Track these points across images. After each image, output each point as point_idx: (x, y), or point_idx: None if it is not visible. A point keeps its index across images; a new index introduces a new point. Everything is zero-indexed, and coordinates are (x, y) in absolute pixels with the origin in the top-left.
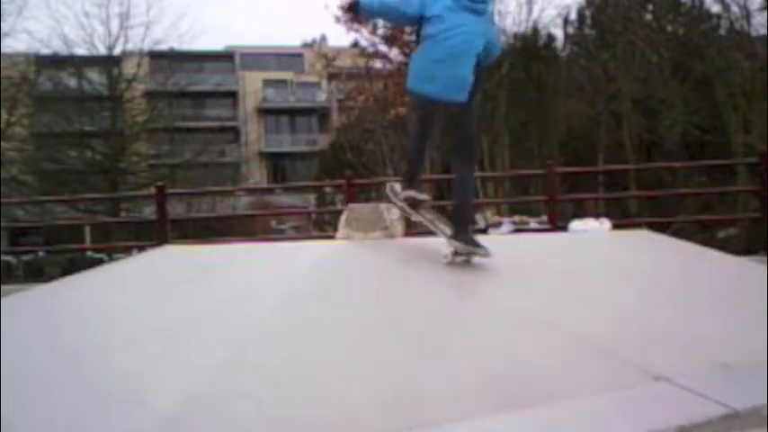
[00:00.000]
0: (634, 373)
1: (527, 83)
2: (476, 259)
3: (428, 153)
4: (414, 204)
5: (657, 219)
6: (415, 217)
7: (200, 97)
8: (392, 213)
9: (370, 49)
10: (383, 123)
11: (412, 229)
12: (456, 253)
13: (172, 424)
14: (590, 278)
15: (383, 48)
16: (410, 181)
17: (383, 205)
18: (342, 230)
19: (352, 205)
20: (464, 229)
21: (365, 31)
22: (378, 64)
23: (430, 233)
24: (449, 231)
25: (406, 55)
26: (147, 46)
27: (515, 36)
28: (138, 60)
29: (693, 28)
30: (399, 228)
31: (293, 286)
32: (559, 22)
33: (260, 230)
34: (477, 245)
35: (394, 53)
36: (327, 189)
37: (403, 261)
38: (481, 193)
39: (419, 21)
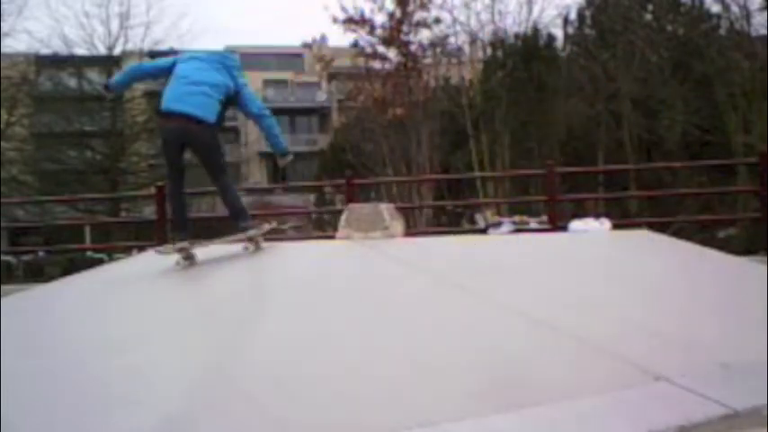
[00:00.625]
0: (634, 373)
1: (527, 83)
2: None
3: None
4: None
5: (657, 219)
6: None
7: None
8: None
9: (369, 50)
10: (383, 123)
11: (412, 228)
12: (251, 239)
13: (172, 424)
14: (590, 278)
15: (381, 48)
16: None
17: (383, 205)
18: (342, 230)
19: (352, 205)
20: (240, 220)
21: (363, 32)
22: (377, 64)
23: (429, 233)
24: (238, 234)
25: (405, 55)
26: (147, 46)
27: (515, 36)
28: (138, 60)
29: (693, 28)
30: (399, 228)
31: (293, 286)
32: (559, 22)
33: None
34: (255, 226)
35: (392, 53)
36: (327, 189)
37: (403, 261)
38: (481, 193)
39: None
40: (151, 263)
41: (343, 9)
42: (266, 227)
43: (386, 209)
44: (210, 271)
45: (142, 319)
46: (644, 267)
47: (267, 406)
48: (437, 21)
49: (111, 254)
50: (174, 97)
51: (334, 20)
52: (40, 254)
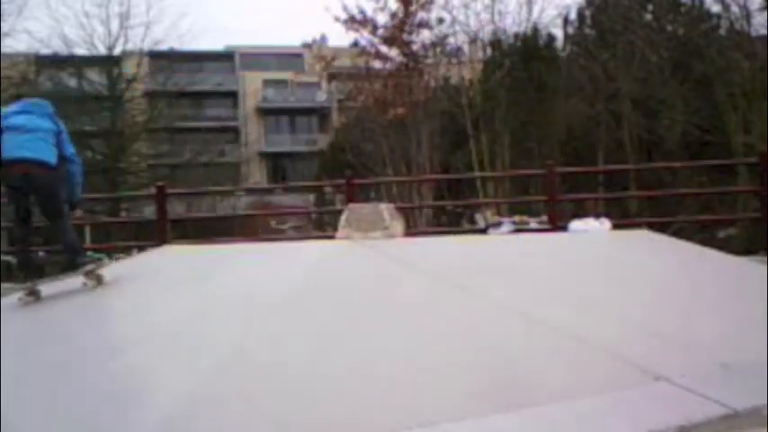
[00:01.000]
0: (634, 373)
1: (527, 83)
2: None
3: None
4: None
5: (657, 219)
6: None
7: (200, 97)
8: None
9: (370, 49)
10: (383, 123)
11: (412, 228)
12: (88, 272)
13: (172, 424)
14: (590, 278)
15: (383, 48)
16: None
17: (383, 205)
18: (342, 230)
19: (352, 205)
20: (77, 257)
21: (365, 32)
22: (377, 64)
23: (429, 233)
24: (76, 269)
25: (406, 55)
26: (147, 46)
27: (515, 36)
28: (138, 60)
29: (693, 28)
30: (399, 228)
31: (293, 286)
32: (559, 22)
33: (260, 230)
34: (91, 261)
35: (394, 53)
36: (327, 189)
37: (403, 261)
38: (481, 193)
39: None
40: (150, 263)
41: (346, 8)
42: (105, 261)
43: (386, 209)
44: (217, 272)
45: (141, 319)
46: (644, 267)
47: (267, 405)
48: (440, 21)
49: (111, 254)
50: (14, 146)
51: (336, 19)
52: (40, 254)
